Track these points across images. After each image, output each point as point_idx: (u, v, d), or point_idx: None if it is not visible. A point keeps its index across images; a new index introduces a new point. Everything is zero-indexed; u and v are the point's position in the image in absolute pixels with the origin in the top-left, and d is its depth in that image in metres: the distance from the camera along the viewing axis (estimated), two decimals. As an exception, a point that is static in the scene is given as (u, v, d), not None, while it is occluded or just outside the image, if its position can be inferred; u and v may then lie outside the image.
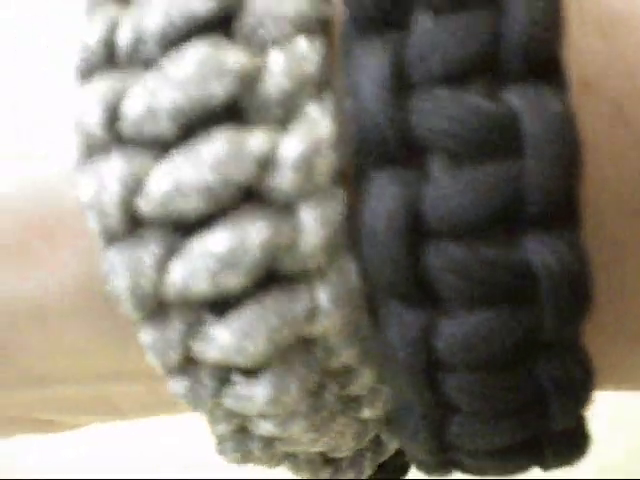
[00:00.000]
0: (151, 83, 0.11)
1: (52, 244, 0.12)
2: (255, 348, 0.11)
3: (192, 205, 0.11)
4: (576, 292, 0.11)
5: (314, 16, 0.11)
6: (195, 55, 0.11)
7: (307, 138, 0.11)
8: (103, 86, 0.11)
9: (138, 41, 0.11)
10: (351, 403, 0.13)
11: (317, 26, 0.11)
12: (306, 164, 0.11)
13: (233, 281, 0.11)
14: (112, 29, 0.11)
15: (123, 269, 0.11)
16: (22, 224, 0.12)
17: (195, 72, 0.11)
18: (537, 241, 0.11)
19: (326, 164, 0.11)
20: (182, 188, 0.11)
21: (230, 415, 0.12)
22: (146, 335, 0.11)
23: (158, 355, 0.11)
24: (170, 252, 0.11)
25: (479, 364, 0.11)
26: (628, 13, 0.11)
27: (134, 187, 0.11)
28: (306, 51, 0.11)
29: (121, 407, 0.15)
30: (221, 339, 0.11)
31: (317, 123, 0.11)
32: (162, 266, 0.11)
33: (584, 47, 0.12)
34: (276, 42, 0.11)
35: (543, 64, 0.11)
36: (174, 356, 0.11)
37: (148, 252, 0.11)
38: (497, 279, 0.11)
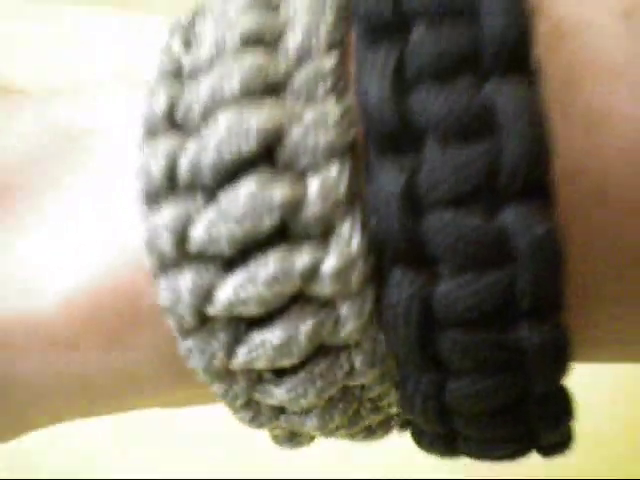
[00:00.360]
0: (211, 215, 0.14)
1: (139, 332, 0.15)
2: (306, 402, 0.15)
3: (251, 310, 0.14)
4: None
5: (341, 143, 0.14)
6: (246, 191, 0.13)
7: (341, 255, 0.14)
8: (170, 213, 0.14)
9: (196, 173, 0.14)
10: (370, 405, 0.16)
11: (344, 150, 0.14)
12: (342, 276, 0.14)
13: (287, 363, 0.14)
14: (173, 161, 0.14)
15: (198, 354, 0.14)
16: (117, 316, 0.15)
17: (247, 208, 0.13)
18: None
19: (358, 274, 0.14)
20: (242, 299, 0.14)
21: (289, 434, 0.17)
22: (218, 390, 0.15)
23: (227, 402, 0.15)
24: (235, 341, 0.14)
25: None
26: (608, 110, 0.13)
27: (203, 297, 0.14)
28: (337, 175, 0.14)
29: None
30: (279, 395, 0.15)
31: (349, 240, 0.14)
32: (230, 351, 0.14)
33: (567, 141, 0.14)
34: (312, 168, 0.14)
35: (535, 186, 0.13)
36: (239, 402, 0.15)
37: (218, 341, 0.14)
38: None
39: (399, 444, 0.34)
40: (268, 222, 0.14)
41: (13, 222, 0.15)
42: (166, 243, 0.14)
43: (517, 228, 0.13)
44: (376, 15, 0.13)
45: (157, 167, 0.14)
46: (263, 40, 0.14)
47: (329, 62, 0.14)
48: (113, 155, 0.15)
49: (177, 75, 0.15)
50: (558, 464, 0.34)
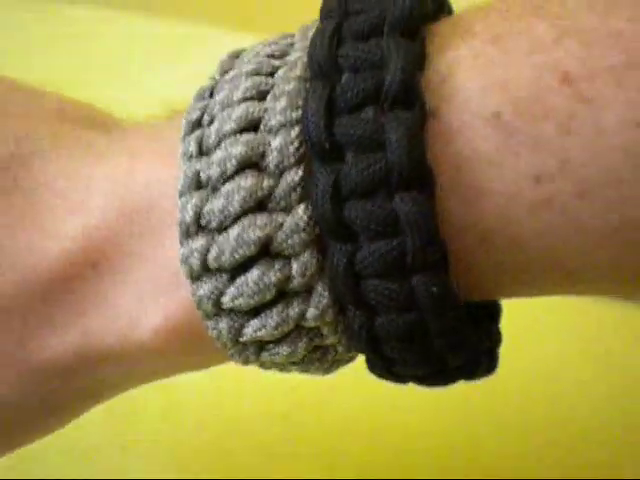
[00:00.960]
0: (233, 291, 0.21)
1: (202, 348, 0.23)
2: (276, 332, 0.21)
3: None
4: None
5: (309, 238, 0.21)
6: (253, 277, 0.21)
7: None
8: (207, 287, 0.21)
9: (220, 265, 0.21)
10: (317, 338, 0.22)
11: (312, 241, 0.21)
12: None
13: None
14: (204, 256, 0.21)
15: (217, 333, 0.22)
16: (190, 343, 0.23)
17: (255, 287, 0.21)
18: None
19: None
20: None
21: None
22: (216, 329, 0.22)
23: (226, 343, 0.22)
24: (241, 325, 0.22)
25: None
26: (481, 187, 0.20)
27: (235, 332, 0.22)
28: (309, 259, 0.21)
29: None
30: (257, 330, 0.21)
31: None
32: (238, 331, 0.22)
33: (448, 212, 0.20)
34: (293, 257, 0.21)
35: (417, 182, 0.20)
36: (229, 344, 0.22)
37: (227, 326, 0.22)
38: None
39: (400, 444, 0.34)
40: (268, 296, 0.21)
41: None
42: (207, 305, 0.21)
43: (404, 211, 0.20)
44: (318, 144, 0.20)
45: (195, 260, 0.21)
46: (251, 162, 0.21)
47: (297, 175, 0.20)
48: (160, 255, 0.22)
49: (198, 186, 0.21)
50: (558, 464, 0.34)
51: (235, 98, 0.21)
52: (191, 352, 0.23)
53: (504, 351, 0.24)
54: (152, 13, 0.54)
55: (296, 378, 0.24)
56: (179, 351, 0.23)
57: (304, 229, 0.20)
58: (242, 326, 0.21)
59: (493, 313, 0.23)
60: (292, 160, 0.20)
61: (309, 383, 0.27)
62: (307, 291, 0.21)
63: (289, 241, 0.20)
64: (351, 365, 0.23)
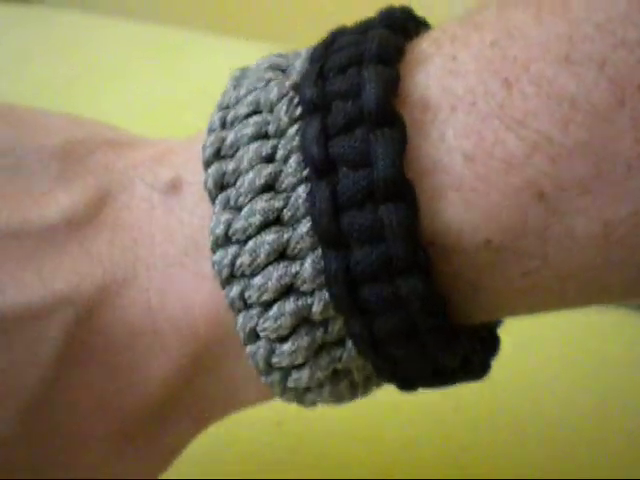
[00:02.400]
0: (269, 324, 0.23)
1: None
2: (296, 354, 0.23)
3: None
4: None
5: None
6: (286, 310, 0.23)
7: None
8: (243, 319, 0.24)
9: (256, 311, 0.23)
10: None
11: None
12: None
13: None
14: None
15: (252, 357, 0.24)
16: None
17: (289, 321, 0.23)
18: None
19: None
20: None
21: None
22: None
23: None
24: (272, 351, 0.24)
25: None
26: (481, 275, 0.23)
27: (268, 354, 0.24)
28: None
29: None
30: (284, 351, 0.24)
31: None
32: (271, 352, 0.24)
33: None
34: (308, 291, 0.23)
35: (399, 194, 0.22)
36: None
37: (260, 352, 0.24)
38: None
39: (396, 452, 0.34)
40: (289, 322, 0.23)
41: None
42: (243, 331, 0.23)
43: (387, 220, 0.22)
44: (315, 161, 0.22)
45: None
46: (271, 219, 0.23)
47: (305, 226, 0.22)
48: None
49: (227, 240, 0.23)
50: (559, 463, 0.34)
51: (243, 166, 0.23)
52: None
53: (501, 356, 0.24)
54: (149, 19, 0.54)
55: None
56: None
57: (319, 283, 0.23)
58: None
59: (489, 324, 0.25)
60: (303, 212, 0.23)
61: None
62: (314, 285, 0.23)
63: (307, 285, 0.23)
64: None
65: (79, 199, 0.24)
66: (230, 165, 0.23)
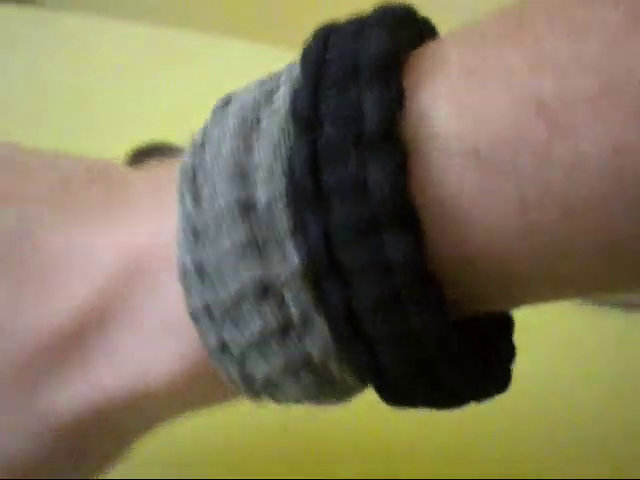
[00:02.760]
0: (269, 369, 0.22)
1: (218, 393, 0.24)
2: (279, 363, 0.22)
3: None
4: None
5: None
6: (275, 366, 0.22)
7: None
8: (235, 368, 0.23)
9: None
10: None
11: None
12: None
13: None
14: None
15: (229, 374, 0.22)
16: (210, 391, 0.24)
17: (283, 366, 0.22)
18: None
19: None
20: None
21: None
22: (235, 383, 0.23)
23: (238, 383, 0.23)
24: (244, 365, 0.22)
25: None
26: (471, 216, 0.20)
27: (248, 379, 0.22)
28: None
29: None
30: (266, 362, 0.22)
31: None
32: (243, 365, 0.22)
33: (434, 245, 0.21)
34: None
35: (405, 217, 0.20)
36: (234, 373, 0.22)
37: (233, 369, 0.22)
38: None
39: (398, 456, 0.34)
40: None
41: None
42: (234, 373, 0.22)
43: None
44: (302, 189, 0.20)
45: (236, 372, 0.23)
46: (267, 288, 0.21)
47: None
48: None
49: (212, 317, 0.22)
50: (559, 463, 0.34)
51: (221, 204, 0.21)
52: (205, 391, 0.24)
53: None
54: (154, 21, 0.54)
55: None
56: (194, 390, 0.23)
57: (299, 272, 0.21)
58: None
59: (503, 328, 0.23)
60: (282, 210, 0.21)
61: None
62: (307, 326, 0.21)
63: (284, 277, 0.21)
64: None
65: None
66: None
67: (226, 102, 0.23)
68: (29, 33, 0.52)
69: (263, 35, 0.51)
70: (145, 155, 0.41)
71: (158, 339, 0.23)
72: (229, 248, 0.21)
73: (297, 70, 0.22)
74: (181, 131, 0.43)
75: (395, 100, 0.20)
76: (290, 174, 0.21)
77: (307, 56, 0.22)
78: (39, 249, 0.23)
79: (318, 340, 0.21)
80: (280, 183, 0.21)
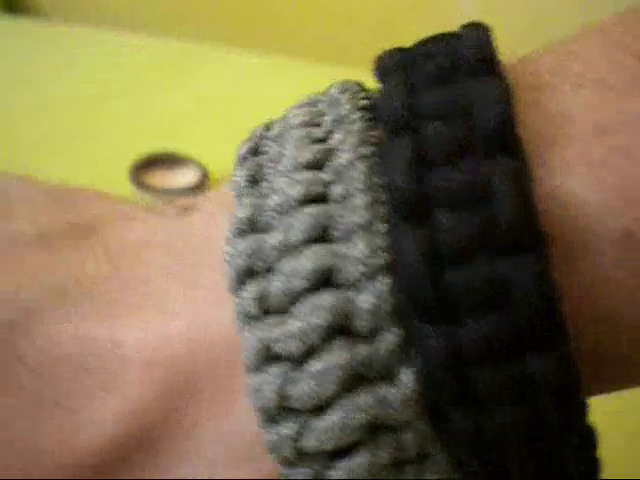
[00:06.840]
0: (295, 375, 0.17)
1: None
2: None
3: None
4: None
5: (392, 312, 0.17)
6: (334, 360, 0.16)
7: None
8: (286, 431, 0.17)
9: (304, 401, 0.17)
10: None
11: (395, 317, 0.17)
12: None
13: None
14: (284, 393, 0.17)
15: (277, 445, 0.17)
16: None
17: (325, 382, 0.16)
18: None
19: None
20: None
21: None
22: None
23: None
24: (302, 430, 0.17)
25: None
26: (617, 308, 0.16)
27: (295, 439, 0.17)
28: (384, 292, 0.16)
29: None
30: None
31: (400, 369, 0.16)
32: (298, 437, 0.17)
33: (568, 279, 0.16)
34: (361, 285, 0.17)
35: (528, 241, 0.16)
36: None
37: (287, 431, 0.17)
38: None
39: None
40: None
41: None
42: (270, 399, 0.17)
43: (514, 276, 0.15)
44: (402, 199, 0.16)
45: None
46: (331, 280, 0.17)
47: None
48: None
49: (271, 359, 0.17)
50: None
51: (295, 239, 0.17)
52: None
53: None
54: (156, 33, 0.54)
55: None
56: None
57: (416, 400, 0.16)
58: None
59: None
60: (388, 320, 0.17)
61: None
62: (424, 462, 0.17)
63: (398, 416, 0.17)
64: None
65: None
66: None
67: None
68: (29, 45, 0.53)
69: (266, 47, 0.51)
70: (147, 166, 0.42)
71: (223, 472, 0.18)
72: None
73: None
74: (183, 142, 0.43)
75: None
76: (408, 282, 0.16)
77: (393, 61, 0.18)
78: (43, 352, 0.18)
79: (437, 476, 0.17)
80: (382, 285, 0.17)
